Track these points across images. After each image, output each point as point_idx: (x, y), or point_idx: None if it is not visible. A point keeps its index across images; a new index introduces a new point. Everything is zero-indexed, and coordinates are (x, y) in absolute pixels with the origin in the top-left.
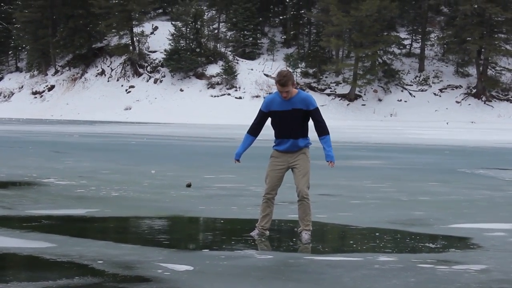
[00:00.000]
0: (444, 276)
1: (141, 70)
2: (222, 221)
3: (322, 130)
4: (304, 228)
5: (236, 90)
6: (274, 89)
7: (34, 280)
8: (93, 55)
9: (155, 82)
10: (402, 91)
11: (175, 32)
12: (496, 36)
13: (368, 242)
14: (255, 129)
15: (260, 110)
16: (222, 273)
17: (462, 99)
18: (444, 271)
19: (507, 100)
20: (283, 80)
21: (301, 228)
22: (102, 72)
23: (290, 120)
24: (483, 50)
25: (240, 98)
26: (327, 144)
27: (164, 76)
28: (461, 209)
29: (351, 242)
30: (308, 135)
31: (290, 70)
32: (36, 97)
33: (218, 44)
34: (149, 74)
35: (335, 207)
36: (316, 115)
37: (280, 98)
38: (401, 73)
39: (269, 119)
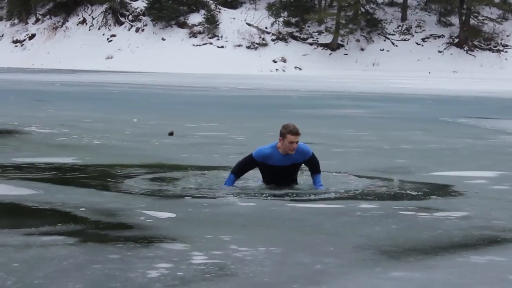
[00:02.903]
0: (425, 223)
1: (122, 19)
2: (204, 169)
3: (317, 169)
4: None
5: (218, 39)
6: (256, 38)
7: (16, 227)
8: (74, 4)
9: (136, 31)
10: (384, 40)
11: None
12: None
13: (350, 189)
14: (238, 173)
15: (251, 156)
16: (204, 220)
17: (445, 49)
18: (426, 218)
19: (489, 49)
20: (295, 128)
21: None
22: (83, 21)
23: (285, 174)
24: None
25: (222, 47)
26: (318, 180)
27: (145, 25)
28: (442, 157)
29: (333, 189)
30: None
31: (272, 19)
32: (16, 46)
33: None
34: (131, 23)
35: (317, 156)
36: (313, 160)
37: (279, 154)
38: (384, 22)
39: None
